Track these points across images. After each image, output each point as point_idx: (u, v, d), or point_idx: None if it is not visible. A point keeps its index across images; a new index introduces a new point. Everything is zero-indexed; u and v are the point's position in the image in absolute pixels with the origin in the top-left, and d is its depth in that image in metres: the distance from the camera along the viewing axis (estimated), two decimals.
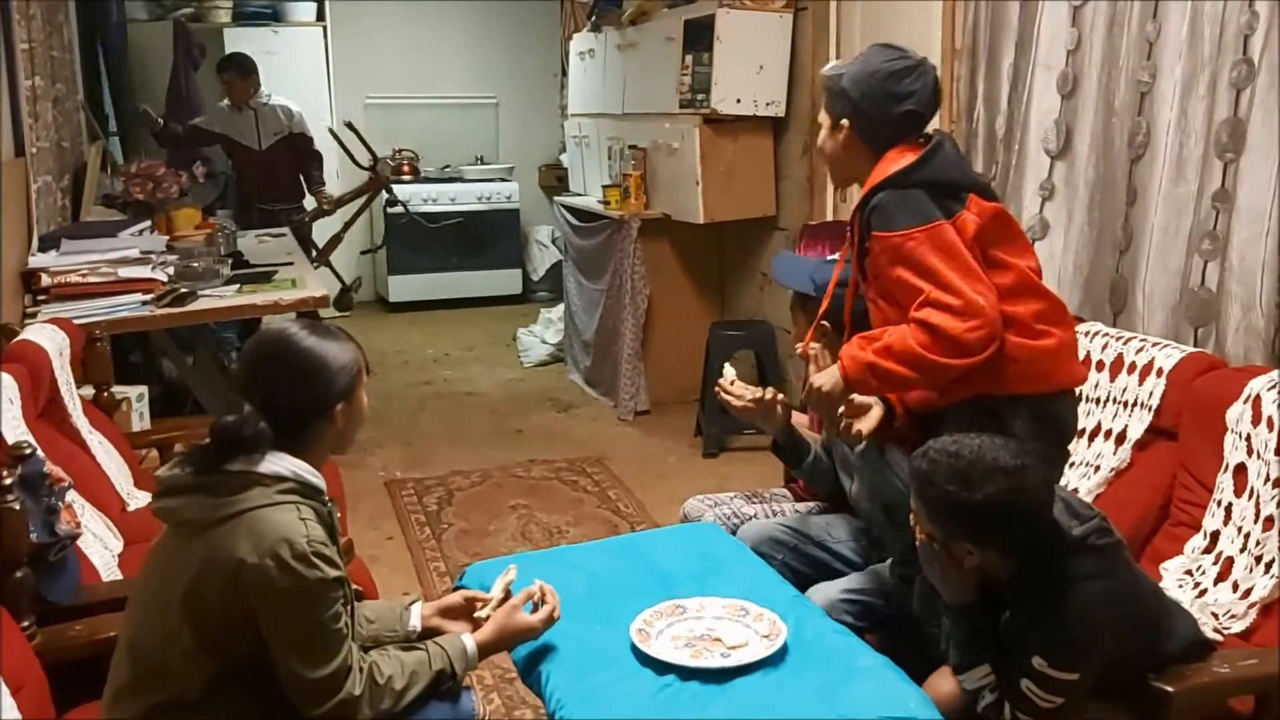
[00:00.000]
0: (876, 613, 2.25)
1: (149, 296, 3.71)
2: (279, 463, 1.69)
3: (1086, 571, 1.73)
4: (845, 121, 2.17)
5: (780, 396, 2.53)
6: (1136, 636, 1.78)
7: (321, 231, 6.40)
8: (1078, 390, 2.27)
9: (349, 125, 6.35)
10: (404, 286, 7.96)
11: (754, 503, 2.79)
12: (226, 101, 6.21)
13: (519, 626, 1.92)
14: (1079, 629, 1.70)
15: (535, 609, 1.96)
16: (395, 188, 7.79)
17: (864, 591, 2.27)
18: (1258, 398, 2.22)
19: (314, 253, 6.03)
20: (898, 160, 2.10)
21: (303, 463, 1.71)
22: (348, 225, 6.57)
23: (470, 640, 1.88)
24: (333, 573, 1.65)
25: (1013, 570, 1.79)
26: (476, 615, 1.97)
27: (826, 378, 2.13)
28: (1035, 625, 1.74)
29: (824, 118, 2.24)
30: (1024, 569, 1.77)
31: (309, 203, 6.41)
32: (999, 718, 1.77)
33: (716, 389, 2.59)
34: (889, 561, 2.31)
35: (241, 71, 6.12)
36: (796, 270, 2.58)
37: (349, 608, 1.73)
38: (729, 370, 2.58)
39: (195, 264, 4.09)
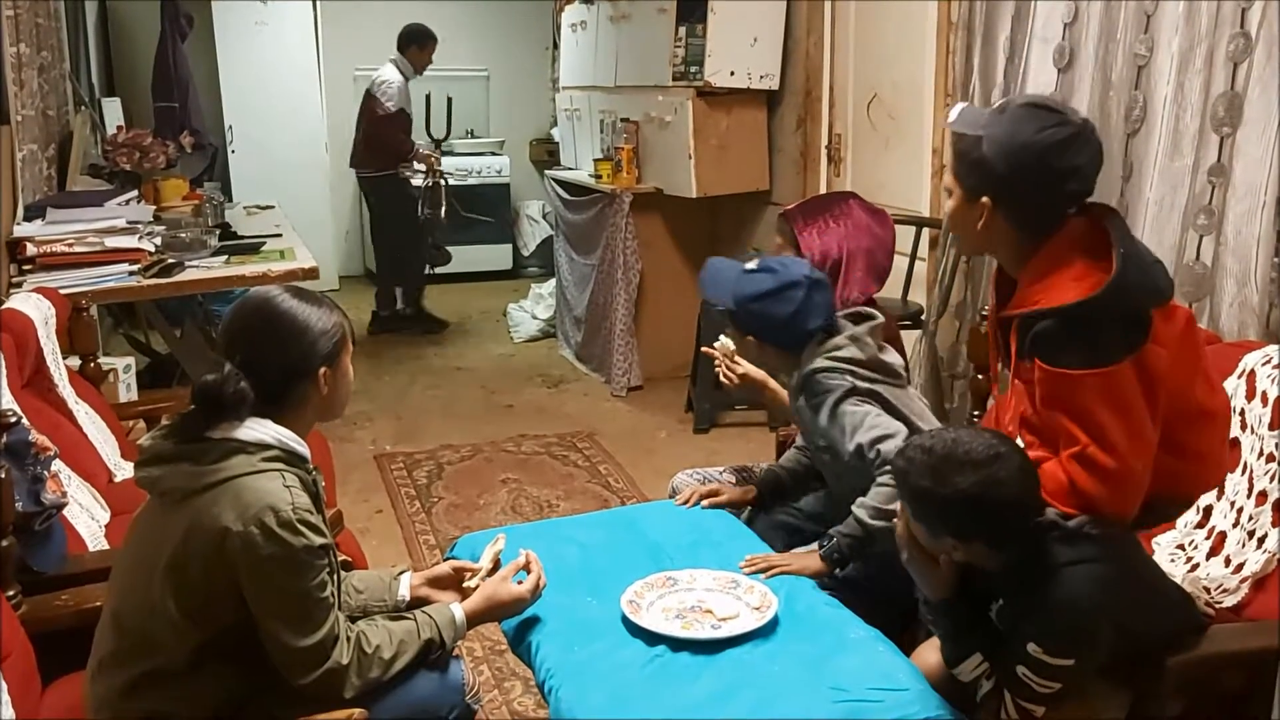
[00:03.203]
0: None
1: (136, 267, 3.69)
2: (262, 430, 1.67)
3: (1076, 557, 1.70)
4: (986, 200, 1.77)
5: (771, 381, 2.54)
6: (1141, 627, 1.76)
7: None
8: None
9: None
10: None
11: (744, 483, 2.78)
12: (402, 74, 6.27)
13: (508, 596, 1.91)
14: (1071, 613, 1.68)
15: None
16: None
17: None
18: (1252, 373, 2.21)
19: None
20: (1066, 271, 1.72)
21: (286, 430, 1.70)
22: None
23: (459, 609, 1.87)
24: (318, 540, 1.64)
25: (1005, 563, 1.77)
26: (465, 585, 1.97)
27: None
28: (1028, 612, 1.72)
29: (952, 183, 1.84)
30: (1018, 560, 1.75)
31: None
32: (1000, 706, 1.76)
33: (718, 364, 2.57)
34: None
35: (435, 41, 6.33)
36: (722, 281, 2.34)
37: (335, 576, 1.72)
38: (728, 343, 2.55)
39: (182, 234, 4.06)
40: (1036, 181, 1.73)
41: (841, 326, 2.28)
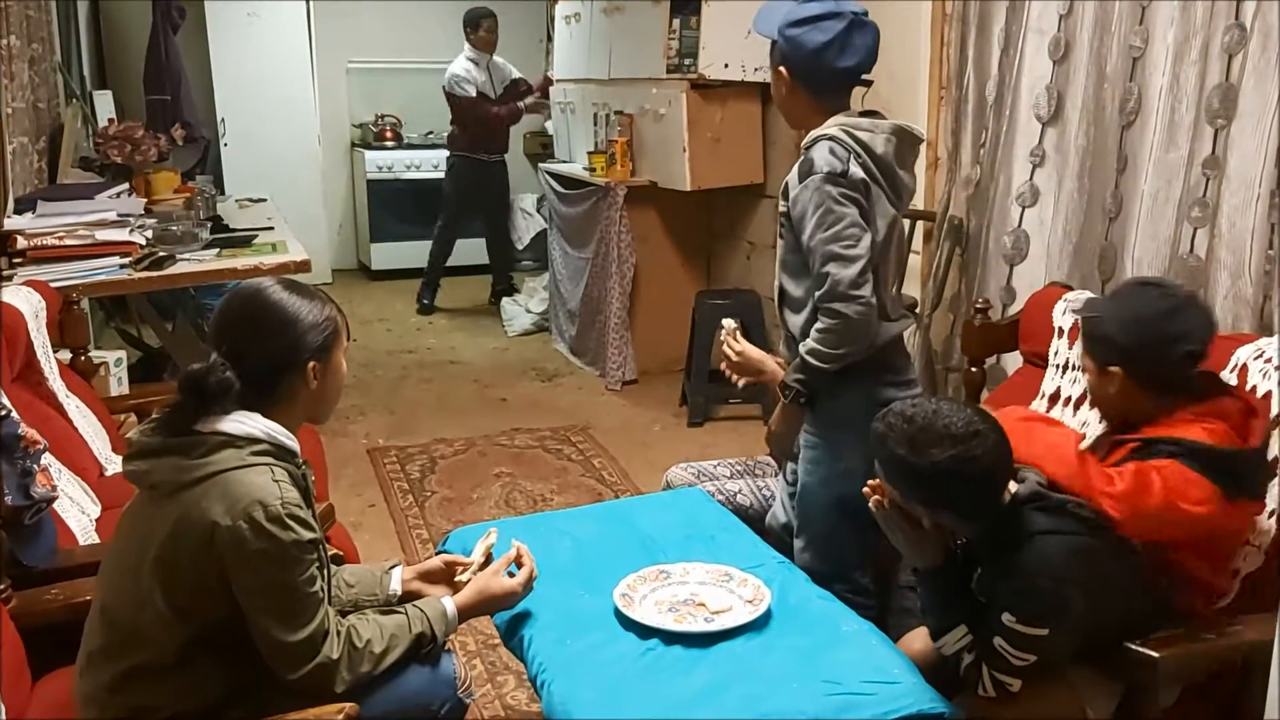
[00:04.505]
0: None
1: (127, 260, 3.67)
2: (251, 423, 1.66)
3: (1052, 527, 1.74)
4: (1116, 369, 1.97)
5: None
6: (1114, 601, 1.78)
7: None
8: None
9: None
10: (386, 254, 7.89)
11: (739, 476, 2.77)
12: (467, 59, 6.56)
13: (500, 590, 1.91)
14: (1041, 580, 1.71)
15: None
16: (377, 154, 7.78)
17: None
18: (1244, 367, 2.19)
19: None
20: (1189, 430, 1.90)
21: (276, 424, 1.69)
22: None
23: (450, 603, 1.86)
24: (307, 535, 1.63)
25: (981, 532, 1.81)
26: (457, 579, 1.96)
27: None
28: (1003, 577, 1.76)
29: (1087, 360, 2.05)
30: (993, 528, 1.78)
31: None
32: (979, 679, 1.77)
33: (725, 348, 2.56)
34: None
35: (496, 21, 6.61)
36: (773, 15, 2.30)
37: (325, 572, 1.71)
38: (729, 323, 2.55)
39: (174, 228, 4.04)
40: (1158, 347, 1.93)
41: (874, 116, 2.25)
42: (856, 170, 2.15)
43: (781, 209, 2.27)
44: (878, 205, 2.20)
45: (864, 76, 2.26)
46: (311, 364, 1.72)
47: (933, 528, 1.82)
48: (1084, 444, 2.00)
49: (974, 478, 1.73)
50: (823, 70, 2.23)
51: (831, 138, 2.18)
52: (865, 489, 1.88)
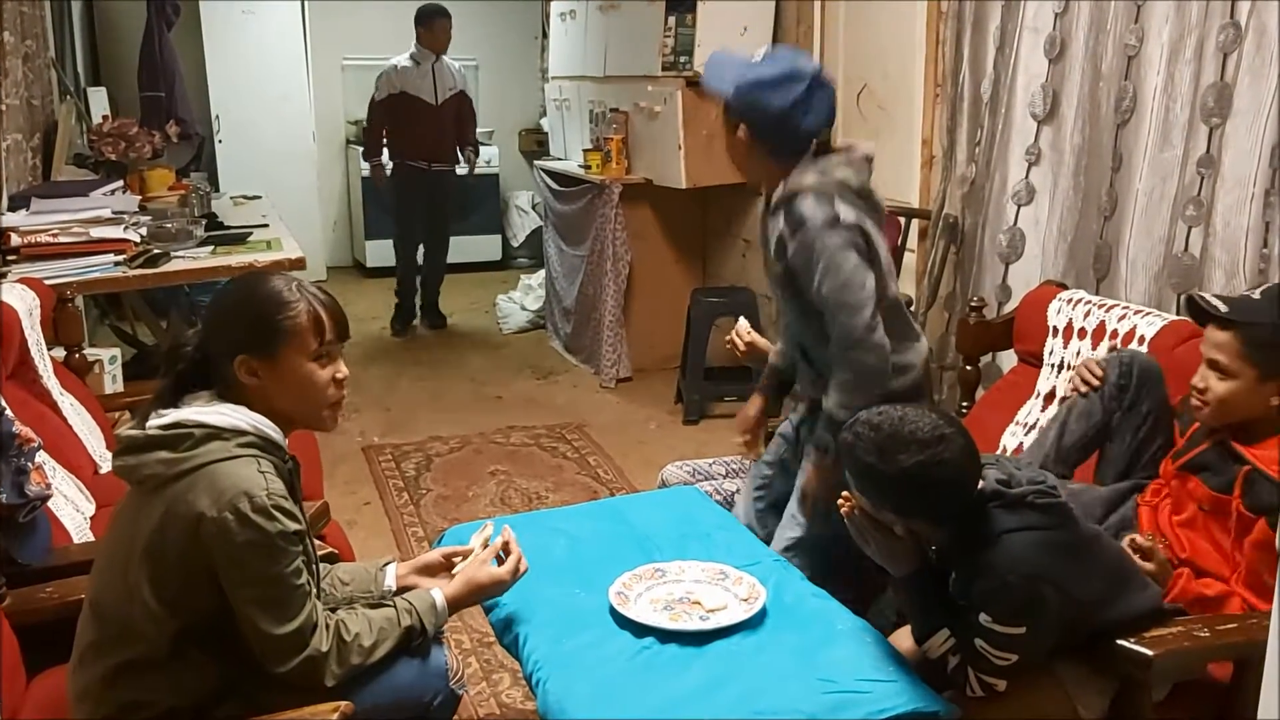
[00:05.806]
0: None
1: (121, 257, 3.66)
2: (236, 415, 1.66)
3: (1017, 524, 1.74)
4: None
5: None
6: (1089, 592, 1.77)
7: None
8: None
9: None
10: (381, 252, 7.86)
11: (736, 475, 2.78)
12: (409, 57, 6.19)
13: (487, 579, 1.90)
14: (1013, 578, 1.70)
15: (501, 563, 1.94)
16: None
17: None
18: None
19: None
20: None
21: (262, 417, 1.68)
22: None
23: (439, 595, 1.86)
24: (293, 526, 1.62)
25: (949, 535, 1.81)
26: (455, 573, 1.95)
27: None
28: (975, 579, 1.75)
29: (1239, 366, 1.90)
30: (960, 531, 1.78)
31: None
32: (966, 681, 1.77)
33: (730, 340, 2.62)
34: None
35: (449, 20, 6.21)
36: (725, 70, 2.26)
37: (314, 566, 1.71)
38: (743, 321, 2.65)
39: (168, 225, 4.02)
40: None
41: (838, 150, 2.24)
42: (847, 212, 2.13)
43: (777, 270, 2.24)
44: (873, 235, 2.19)
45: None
46: (241, 358, 1.68)
47: (906, 534, 1.82)
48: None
49: (943, 481, 1.73)
50: (787, 133, 2.19)
51: (808, 188, 2.15)
52: (839, 500, 1.87)
